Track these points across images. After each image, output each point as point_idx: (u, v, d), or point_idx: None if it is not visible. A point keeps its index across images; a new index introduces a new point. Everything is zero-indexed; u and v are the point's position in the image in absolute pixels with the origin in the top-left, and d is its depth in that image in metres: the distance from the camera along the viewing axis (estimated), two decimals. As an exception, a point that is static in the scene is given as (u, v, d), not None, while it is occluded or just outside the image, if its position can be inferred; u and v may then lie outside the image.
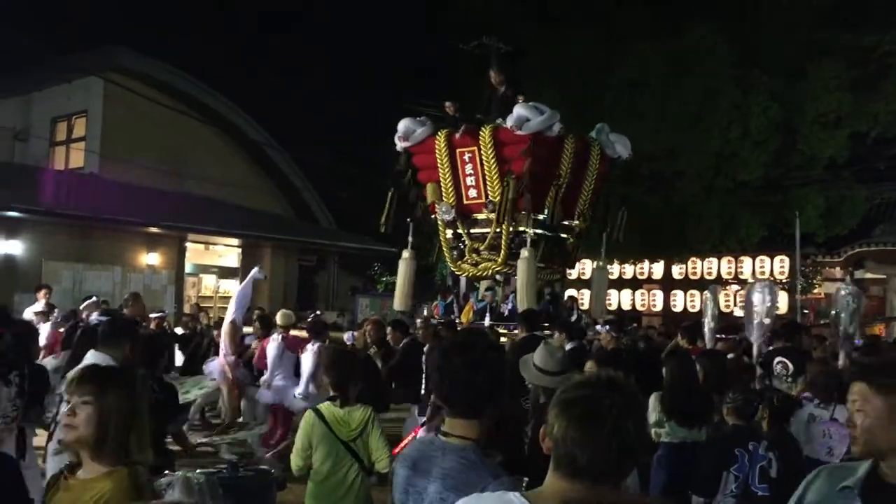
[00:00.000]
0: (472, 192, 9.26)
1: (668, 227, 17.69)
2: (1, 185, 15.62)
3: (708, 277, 19.18)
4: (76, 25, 25.88)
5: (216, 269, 20.89)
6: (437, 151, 9.21)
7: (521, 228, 8.79)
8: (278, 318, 8.78)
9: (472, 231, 9.35)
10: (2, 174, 17.06)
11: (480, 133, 8.86)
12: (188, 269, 19.67)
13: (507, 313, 9.56)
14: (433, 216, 9.75)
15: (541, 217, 8.89)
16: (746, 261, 19.80)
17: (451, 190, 9.28)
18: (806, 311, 17.56)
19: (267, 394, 8.39)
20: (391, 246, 10.31)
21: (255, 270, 10.20)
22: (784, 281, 18.51)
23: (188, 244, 19.24)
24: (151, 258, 18.29)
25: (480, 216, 9.18)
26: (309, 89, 27.34)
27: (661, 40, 17.00)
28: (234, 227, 19.07)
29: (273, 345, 8.47)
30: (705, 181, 17.66)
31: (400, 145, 9.54)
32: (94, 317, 9.10)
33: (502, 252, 8.90)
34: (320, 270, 23.04)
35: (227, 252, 20.97)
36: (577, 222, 9.47)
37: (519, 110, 8.57)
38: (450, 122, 9.42)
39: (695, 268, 20.28)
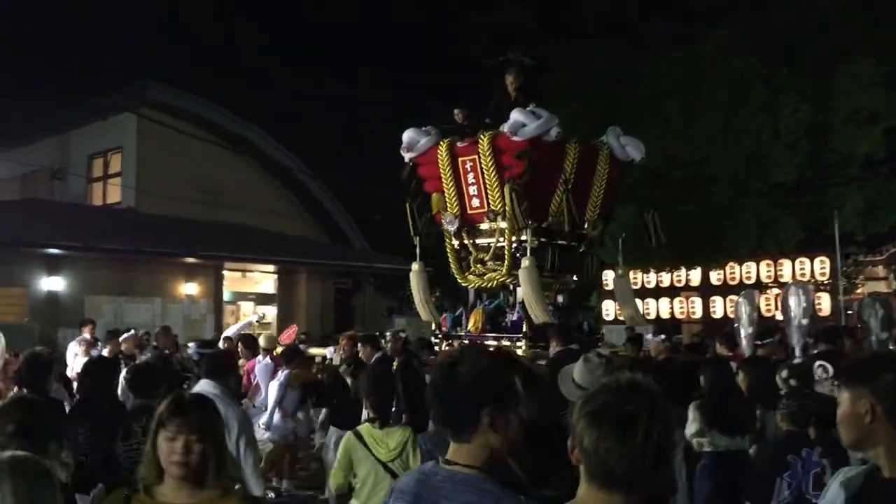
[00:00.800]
0: (476, 202, 9.07)
1: (703, 233, 17.51)
2: (42, 222, 16.00)
3: (747, 282, 18.88)
4: (107, 62, 26.50)
5: (254, 295, 21.12)
6: (439, 161, 9.04)
7: (523, 237, 8.54)
8: (262, 341, 8.78)
9: (477, 241, 9.16)
10: (42, 212, 17.46)
11: (479, 140, 8.67)
12: (226, 297, 19.92)
13: (509, 324, 9.25)
14: (440, 227, 9.57)
15: (544, 225, 8.62)
16: (786, 264, 19.46)
17: (454, 200, 9.10)
18: (850, 312, 17.21)
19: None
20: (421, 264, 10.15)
21: (253, 316, 10.72)
22: (826, 282, 18.17)
23: (225, 272, 19.50)
24: (190, 288, 18.56)
25: (484, 226, 9.01)
26: (337, 112, 27.63)
27: (683, 47, 16.93)
28: (270, 254, 19.29)
29: (262, 367, 8.53)
30: (739, 185, 17.47)
31: (405, 156, 9.36)
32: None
33: (506, 262, 8.69)
34: (356, 293, 23.17)
35: (264, 279, 21.20)
36: (587, 229, 9.14)
37: (515, 116, 8.35)
38: (458, 130, 9.21)
39: (733, 273, 19.98)
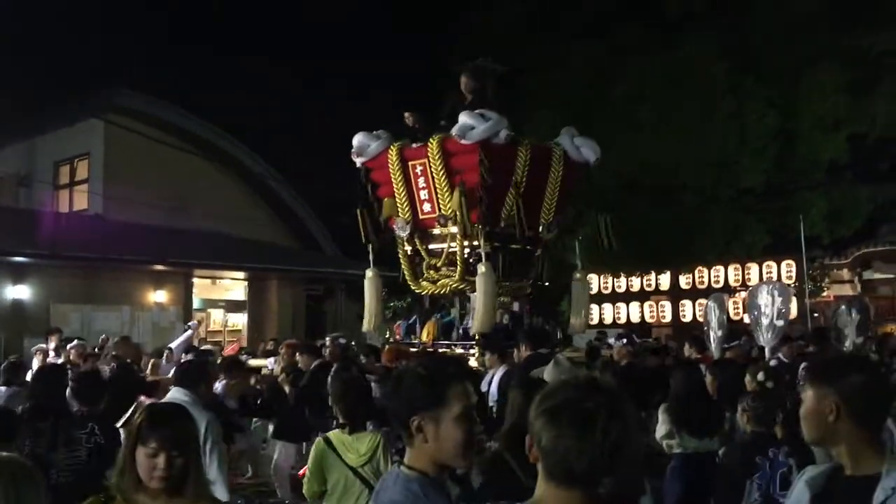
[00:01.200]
0: (427, 207, 8.85)
1: (673, 238, 17.69)
2: (6, 230, 15.72)
3: (715, 286, 19.13)
4: (74, 67, 26.15)
5: (224, 303, 20.92)
6: (389, 165, 8.85)
7: (476, 243, 8.37)
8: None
9: (430, 247, 8.98)
10: (6, 219, 17.16)
11: (429, 144, 8.48)
12: (196, 304, 19.70)
13: (461, 332, 9.13)
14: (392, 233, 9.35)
15: (497, 230, 8.46)
16: (753, 267, 19.75)
17: (406, 205, 8.89)
18: (816, 315, 17.47)
19: None
20: (394, 271, 9.95)
21: (191, 326, 10.73)
22: (792, 285, 18.46)
23: (195, 280, 19.28)
24: (159, 296, 18.33)
25: (436, 231, 8.80)
26: (307, 118, 27.52)
27: (657, 53, 17.12)
28: (240, 261, 19.12)
29: None
30: (708, 191, 17.69)
31: (356, 161, 9.18)
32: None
33: (459, 268, 8.52)
34: (328, 299, 23.04)
35: (234, 286, 21.01)
36: (541, 232, 8.92)
37: (463, 118, 8.18)
38: (410, 133, 9.02)
39: (702, 277, 20.23)
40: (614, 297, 20.98)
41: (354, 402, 4.44)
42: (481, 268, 8.10)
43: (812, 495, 2.23)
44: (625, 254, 18.35)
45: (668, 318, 20.74)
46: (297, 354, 8.50)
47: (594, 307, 20.57)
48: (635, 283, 21.10)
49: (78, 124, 19.08)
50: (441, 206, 8.51)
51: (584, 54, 17.88)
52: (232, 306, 20.94)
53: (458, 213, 8.10)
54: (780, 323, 7.40)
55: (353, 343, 11.72)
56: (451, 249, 8.55)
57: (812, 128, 17.21)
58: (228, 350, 11.18)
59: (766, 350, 7.35)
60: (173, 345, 10.29)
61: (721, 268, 19.88)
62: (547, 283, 9.76)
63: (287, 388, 7.98)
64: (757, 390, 4.51)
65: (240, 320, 21.00)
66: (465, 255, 8.42)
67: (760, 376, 4.76)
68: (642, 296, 21.18)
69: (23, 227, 16.45)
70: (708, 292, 19.06)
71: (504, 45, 19.11)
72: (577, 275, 9.77)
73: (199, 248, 18.04)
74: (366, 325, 9.52)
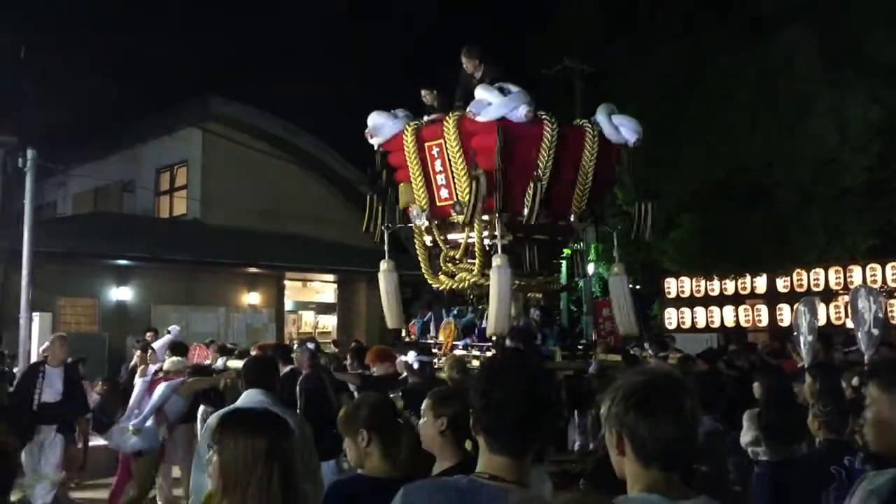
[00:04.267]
0: (444, 193, 7.82)
1: (768, 240, 17.10)
2: (112, 235, 16.53)
3: (815, 289, 18.33)
4: (172, 78, 27.29)
5: (314, 305, 21.41)
6: (405, 147, 7.88)
7: (496, 232, 7.40)
8: (167, 365, 7.82)
9: (448, 237, 8.04)
10: (113, 225, 18.04)
11: (444, 123, 7.52)
12: (288, 306, 20.24)
13: (476, 332, 8.22)
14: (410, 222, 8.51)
15: (520, 219, 7.45)
16: (856, 270, 18.82)
17: (422, 191, 7.90)
18: (925, 320, 16.53)
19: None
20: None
21: (172, 327, 10.48)
22: (899, 289, 17.53)
23: (287, 282, 19.81)
24: (252, 297, 18.92)
25: (454, 220, 7.78)
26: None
27: (747, 51, 16.60)
28: (330, 264, 19.51)
29: (140, 383, 7.70)
30: (805, 190, 17.00)
31: (372, 142, 8.30)
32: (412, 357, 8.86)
33: (477, 261, 7.59)
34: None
35: (324, 288, 21.47)
36: (573, 222, 7.94)
37: (479, 92, 7.25)
38: (428, 113, 8.13)
39: (800, 280, 19.42)
40: (707, 301, 20.38)
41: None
42: (496, 260, 7.19)
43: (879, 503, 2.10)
44: (717, 256, 17.92)
45: (764, 322, 20.00)
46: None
47: (685, 310, 20.05)
48: (729, 287, 20.45)
49: (177, 133, 19.91)
50: (458, 191, 7.57)
51: (670, 55, 17.49)
52: (322, 308, 21.40)
53: (469, 198, 7.21)
54: (877, 331, 6.88)
55: (329, 349, 10.86)
56: (469, 240, 7.70)
57: (920, 122, 16.32)
58: (196, 354, 10.62)
59: (865, 357, 6.91)
60: (156, 345, 9.90)
61: (821, 270, 19.03)
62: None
63: None
64: (853, 396, 4.29)
65: (330, 322, 21.45)
66: (486, 247, 7.52)
67: (855, 381, 4.52)
68: (737, 299, 20.51)
69: (127, 231, 17.28)
70: (807, 295, 18.33)
71: (584, 46, 18.94)
72: (616, 269, 8.61)
73: (291, 252, 18.53)
74: (389, 322, 8.74)
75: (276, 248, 18.22)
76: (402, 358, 7.02)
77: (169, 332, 10.62)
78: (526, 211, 7.28)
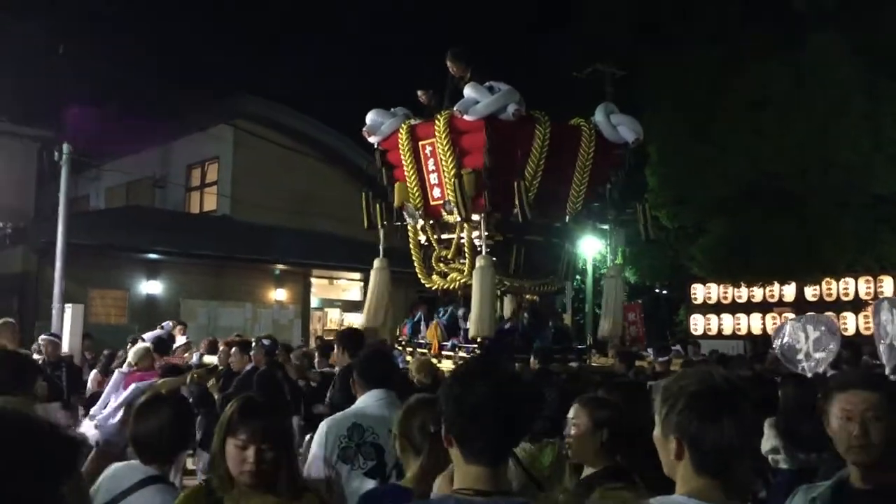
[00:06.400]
0: (437, 192, 7.80)
1: (798, 247, 16.90)
2: (143, 229, 16.78)
3: (844, 298, 18.11)
4: (205, 76, 27.60)
5: (340, 302, 21.53)
6: (400, 145, 7.86)
7: (485, 233, 7.34)
8: (130, 356, 7.53)
9: (442, 237, 8.01)
10: (144, 219, 18.30)
11: (435, 122, 7.45)
12: (314, 303, 20.38)
13: (462, 333, 8.08)
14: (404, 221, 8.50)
15: (510, 219, 7.34)
16: (887, 280, 18.55)
17: (416, 189, 7.89)
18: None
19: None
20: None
21: (165, 324, 10.48)
22: (931, 300, 17.26)
23: (313, 279, 19.95)
24: (279, 294, 19.09)
25: (445, 219, 7.80)
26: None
27: (781, 54, 16.41)
28: (357, 262, 19.61)
29: (116, 374, 7.44)
30: (837, 197, 16.79)
31: (371, 140, 8.37)
32: None
33: (467, 261, 7.54)
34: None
35: (350, 286, 21.59)
36: (567, 223, 7.90)
37: (468, 91, 7.16)
38: (425, 113, 8.10)
39: (830, 289, 19.16)
40: (734, 308, 20.18)
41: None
42: (479, 261, 7.16)
43: None
44: (745, 262, 17.72)
45: (792, 330, 19.80)
46: (233, 352, 7.87)
47: (712, 317, 19.86)
48: (757, 294, 20.24)
49: (209, 130, 20.15)
50: (448, 190, 7.51)
51: (702, 58, 17.36)
52: (349, 306, 21.51)
53: (457, 198, 7.12)
54: (896, 344, 6.72)
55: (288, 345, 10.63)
56: (461, 240, 7.71)
57: (956, 131, 16.05)
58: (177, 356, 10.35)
59: (887, 370, 6.77)
60: (146, 336, 9.86)
61: (851, 280, 18.78)
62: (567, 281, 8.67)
63: (216, 395, 7.28)
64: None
65: (356, 320, 21.54)
66: (475, 247, 7.48)
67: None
68: (764, 307, 20.30)
69: (157, 226, 17.52)
70: (836, 305, 18.08)
71: (617, 51, 18.85)
72: (610, 271, 8.62)
73: (318, 249, 18.66)
74: (367, 319, 8.63)
75: (303, 246, 18.37)
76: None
77: (162, 328, 10.63)
78: (515, 211, 7.18)
